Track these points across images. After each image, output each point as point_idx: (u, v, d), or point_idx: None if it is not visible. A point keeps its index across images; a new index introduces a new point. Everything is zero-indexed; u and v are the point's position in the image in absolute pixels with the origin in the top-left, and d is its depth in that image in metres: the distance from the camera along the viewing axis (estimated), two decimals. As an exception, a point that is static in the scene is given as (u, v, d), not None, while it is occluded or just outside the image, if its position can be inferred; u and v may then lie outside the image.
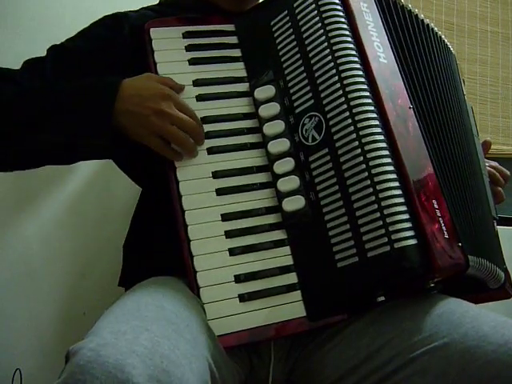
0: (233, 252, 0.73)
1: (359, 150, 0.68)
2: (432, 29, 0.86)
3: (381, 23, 0.78)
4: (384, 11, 0.79)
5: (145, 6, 0.94)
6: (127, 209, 0.92)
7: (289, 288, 0.72)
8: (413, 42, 0.80)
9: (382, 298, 0.68)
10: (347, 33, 0.73)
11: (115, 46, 0.85)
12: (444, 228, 0.68)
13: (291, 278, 0.73)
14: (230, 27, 0.84)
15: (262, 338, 0.70)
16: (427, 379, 0.62)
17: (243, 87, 0.81)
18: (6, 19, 1.08)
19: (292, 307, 0.72)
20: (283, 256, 0.74)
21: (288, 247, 0.74)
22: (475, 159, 0.86)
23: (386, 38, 0.77)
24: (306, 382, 0.78)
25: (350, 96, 0.70)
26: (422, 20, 0.85)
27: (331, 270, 0.69)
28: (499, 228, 0.88)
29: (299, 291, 0.72)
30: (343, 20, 0.74)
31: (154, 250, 0.84)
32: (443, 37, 0.89)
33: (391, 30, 0.78)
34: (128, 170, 0.94)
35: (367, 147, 0.68)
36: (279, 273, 0.73)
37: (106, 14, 0.89)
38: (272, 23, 0.79)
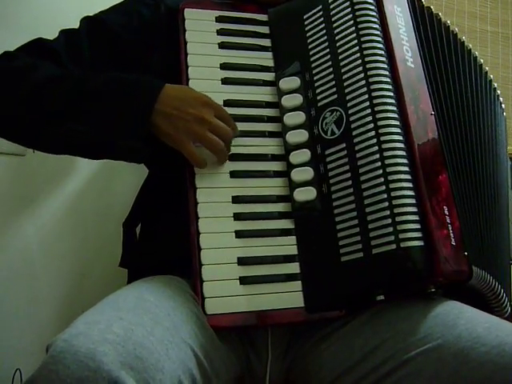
0: (239, 234, 0.73)
1: (376, 148, 0.69)
2: (470, 50, 0.86)
3: (412, 29, 0.78)
4: (417, 18, 0.80)
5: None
6: (127, 209, 0.92)
7: (290, 277, 0.72)
8: (445, 54, 0.81)
9: (381, 297, 0.68)
10: (378, 33, 0.74)
11: (151, 23, 0.85)
12: (452, 235, 0.68)
13: (294, 267, 0.73)
14: (263, 17, 0.85)
15: (258, 323, 0.70)
16: (421, 381, 0.62)
17: (269, 76, 0.82)
18: (8, 19, 1.09)
19: (291, 296, 0.72)
20: (288, 245, 0.74)
21: (294, 237, 0.74)
22: (503, 196, 0.85)
23: (416, 43, 0.78)
24: (304, 382, 0.77)
25: (373, 94, 0.71)
26: (464, 42, 0.85)
27: (335, 264, 0.69)
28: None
29: (300, 282, 0.72)
30: (375, 20, 0.75)
31: (158, 229, 0.85)
32: (482, 64, 0.88)
33: (422, 38, 0.79)
34: None
35: (384, 146, 0.69)
36: (283, 261, 0.73)
37: None
38: (305, 17, 0.80)
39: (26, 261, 1.09)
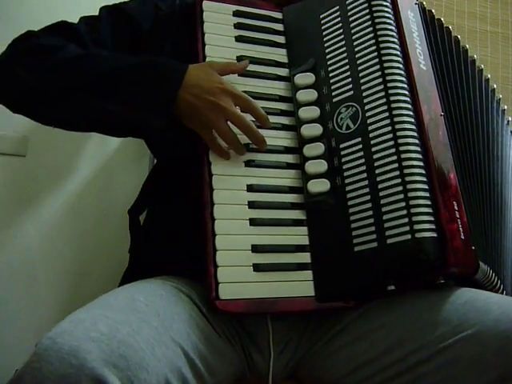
0: (253, 222, 0.74)
1: (392, 143, 0.71)
2: (481, 70, 0.90)
3: (423, 34, 0.82)
4: (428, 26, 0.84)
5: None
6: (127, 208, 0.93)
7: (301, 266, 0.73)
8: (454, 61, 0.85)
9: (392, 287, 0.70)
10: (394, 34, 0.77)
11: (166, 14, 0.88)
12: (461, 229, 0.70)
13: (305, 257, 0.74)
14: (278, 15, 0.88)
15: (271, 310, 0.71)
16: (461, 366, 0.63)
17: (282, 72, 0.84)
18: (9, 21, 1.09)
19: (302, 285, 0.73)
20: (300, 235, 0.75)
21: (306, 228, 0.75)
22: (508, 197, 0.88)
23: (427, 48, 0.81)
24: (315, 378, 0.78)
25: (389, 92, 0.73)
26: (475, 61, 0.89)
27: (347, 254, 0.71)
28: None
29: (311, 271, 0.73)
30: (392, 22, 0.78)
31: (165, 217, 0.85)
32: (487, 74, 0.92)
33: (432, 44, 0.83)
34: (152, 142, 0.94)
35: (400, 141, 0.71)
36: (294, 250, 0.74)
37: None
38: (321, 16, 0.83)
39: (26, 261, 1.08)
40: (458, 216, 0.71)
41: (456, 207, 0.72)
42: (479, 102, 0.86)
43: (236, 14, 0.85)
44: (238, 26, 0.84)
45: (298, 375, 0.80)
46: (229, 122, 0.74)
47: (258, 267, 0.72)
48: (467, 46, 0.90)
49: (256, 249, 0.73)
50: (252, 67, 0.82)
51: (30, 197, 1.10)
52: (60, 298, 1.10)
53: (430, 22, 0.84)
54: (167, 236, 0.82)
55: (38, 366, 0.52)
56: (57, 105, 0.76)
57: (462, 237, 0.70)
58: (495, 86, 0.94)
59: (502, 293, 0.80)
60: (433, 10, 0.87)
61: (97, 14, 0.89)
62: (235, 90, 0.74)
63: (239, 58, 0.82)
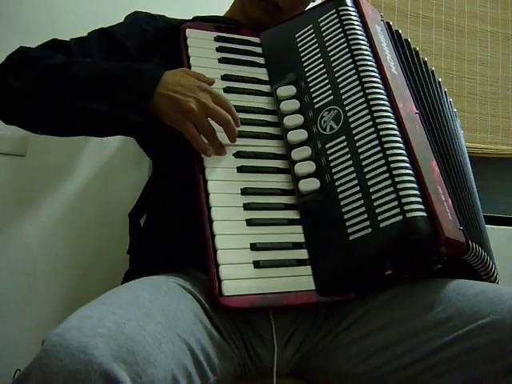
0: (250, 222, 0.76)
1: (375, 135, 0.76)
2: (434, 74, 0.97)
3: (391, 44, 0.89)
4: (394, 38, 0.91)
5: (144, 9, 1.02)
6: (127, 209, 0.95)
7: (300, 262, 0.76)
8: (417, 67, 0.91)
9: (389, 272, 0.72)
10: (365, 43, 0.84)
11: (151, 34, 0.95)
12: (448, 210, 0.74)
13: (302, 253, 0.76)
14: (256, 39, 0.94)
15: (275, 304, 0.72)
16: (475, 354, 0.64)
17: (265, 88, 0.89)
18: (9, 21, 1.14)
19: (302, 280, 0.75)
20: (296, 233, 0.78)
21: (300, 226, 0.78)
22: (472, 183, 0.92)
23: (396, 56, 0.88)
24: (322, 370, 0.78)
25: (367, 91, 0.79)
26: (431, 70, 0.96)
27: (343, 244, 0.73)
28: (499, 228, 0.93)
29: (309, 266, 0.75)
30: (362, 33, 0.85)
31: (164, 221, 0.88)
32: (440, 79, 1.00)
33: (399, 52, 0.90)
34: (147, 146, 0.99)
35: (382, 133, 0.76)
36: (292, 247, 0.76)
37: (107, 16, 0.97)
38: (297, 35, 0.90)
39: (26, 261, 1.09)
40: (443, 199, 0.75)
41: (441, 191, 0.76)
42: (439, 101, 0.92)
43: (217, 39, 0.92)
44: (220, 49, 0.91)
45: (302, 369, 0.80)
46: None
47: (258, 264, 0.74)
48: (426, 58, 0.96)
49: (255, 247, 0.75)
50: (235, 84, 0.88)
51: (30, 197, 1.11)
52: (60, 297, 1.10)
53: (396, 35, 0.92)
54: (168, 236, 0.84)
55: (47, 361, 0.52)
56: (45, 108, 0.81)
57: (450, 218, 0.74)
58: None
59: (490, 268, 0.82)
60: (398, 30, 0.94)
61: (92, 13, 0.97)
62: (212, 89, 0.79)
63: (224, 77, 0.88)
